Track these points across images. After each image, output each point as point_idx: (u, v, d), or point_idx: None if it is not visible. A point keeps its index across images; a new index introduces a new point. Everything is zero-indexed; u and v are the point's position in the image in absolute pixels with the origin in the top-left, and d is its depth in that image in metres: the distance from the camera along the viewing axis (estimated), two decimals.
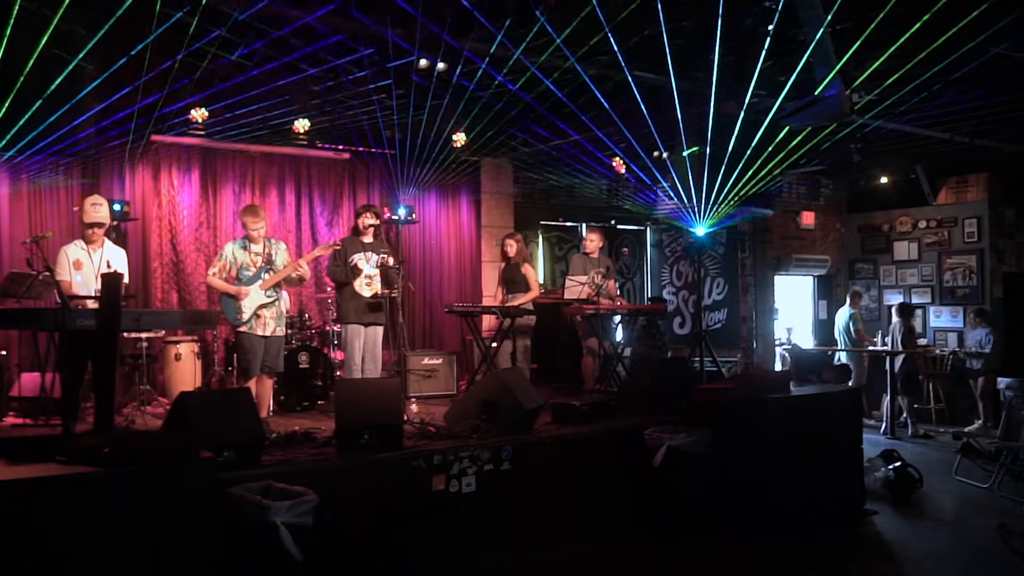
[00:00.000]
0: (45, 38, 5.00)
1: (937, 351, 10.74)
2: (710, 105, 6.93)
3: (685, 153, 8.24)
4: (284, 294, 6.63)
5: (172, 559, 3.41)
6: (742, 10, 5.80)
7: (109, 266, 5.65)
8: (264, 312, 6.11)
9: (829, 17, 5.32)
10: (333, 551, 4.18)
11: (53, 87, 5.50)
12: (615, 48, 5.97)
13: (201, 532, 3.53)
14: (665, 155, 8.82)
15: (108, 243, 5.92)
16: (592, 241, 8.36)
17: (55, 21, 4.89)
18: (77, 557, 3.18)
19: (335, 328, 7.66)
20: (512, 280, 8.01)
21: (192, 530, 3.49)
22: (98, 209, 5.73)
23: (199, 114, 7.03)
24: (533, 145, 8.74)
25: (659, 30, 5.66)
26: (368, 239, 6.89)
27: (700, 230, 8.94)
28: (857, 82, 6.25)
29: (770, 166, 8.14)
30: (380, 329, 6.85)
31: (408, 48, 6.04)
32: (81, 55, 5.28)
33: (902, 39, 5.60)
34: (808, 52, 5.66)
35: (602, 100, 6.90)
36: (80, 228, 5.97)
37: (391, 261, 6.83)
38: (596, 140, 8.35)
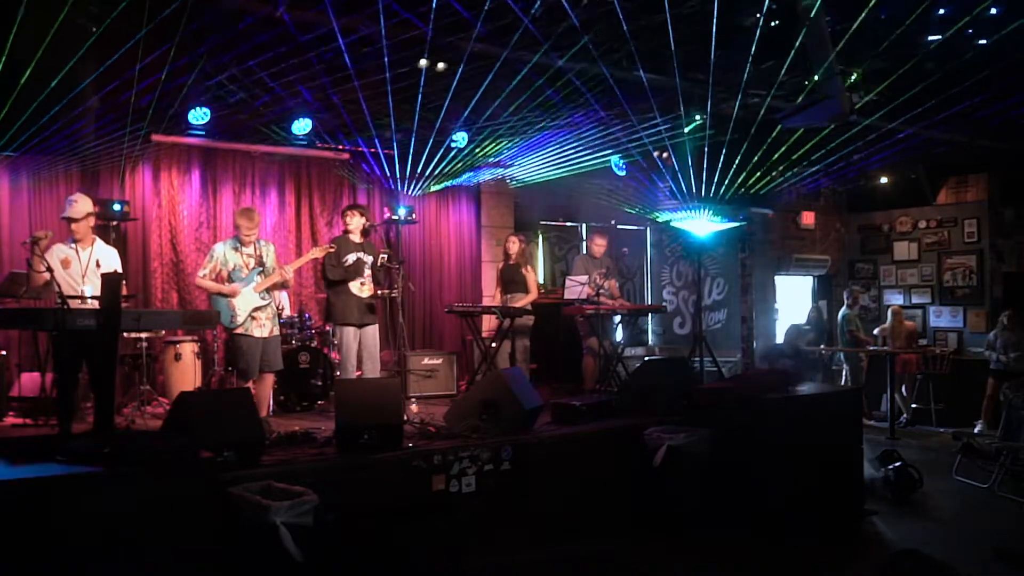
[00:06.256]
0: (47, 39, 4.98)
1: (937, 351, 10.73)
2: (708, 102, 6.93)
3: (686, 130, 8.06)
4: (283, 295, 6.62)
5: (172, 559, 3.41)
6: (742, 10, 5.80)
7: (99, 265, 5.52)
8: (259, 314, 6.09)
9: (828, 17, 5.32)
10: (333, 551, 4.18)
11: (52, 85, 5.48)
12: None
13: (201, 532, 3.53)
14: (661, 154, 8.77)
15: (100, 243, 5.76)
16: (599, 245, 8.37)
17: (60, 18, 4.86)
18: (77, 557, 3.17)
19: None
20: (511, 280, 8.01)
21: (192, 530, 3.49)
22: (71, 205, 5.57)
23: (199, 114, 7.01)
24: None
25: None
26: (356, 238, 6.87)
27: (700, 229, 8.92)
28: (854, 77, 6.23)
29: (770, 163, 8.11)
30: (376, 328, 6.84)
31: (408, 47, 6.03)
32: (80, 52, 5.25)
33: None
34: (808, 52, 5.66)
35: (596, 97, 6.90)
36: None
37: (386, 258, 6.78)
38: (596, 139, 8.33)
